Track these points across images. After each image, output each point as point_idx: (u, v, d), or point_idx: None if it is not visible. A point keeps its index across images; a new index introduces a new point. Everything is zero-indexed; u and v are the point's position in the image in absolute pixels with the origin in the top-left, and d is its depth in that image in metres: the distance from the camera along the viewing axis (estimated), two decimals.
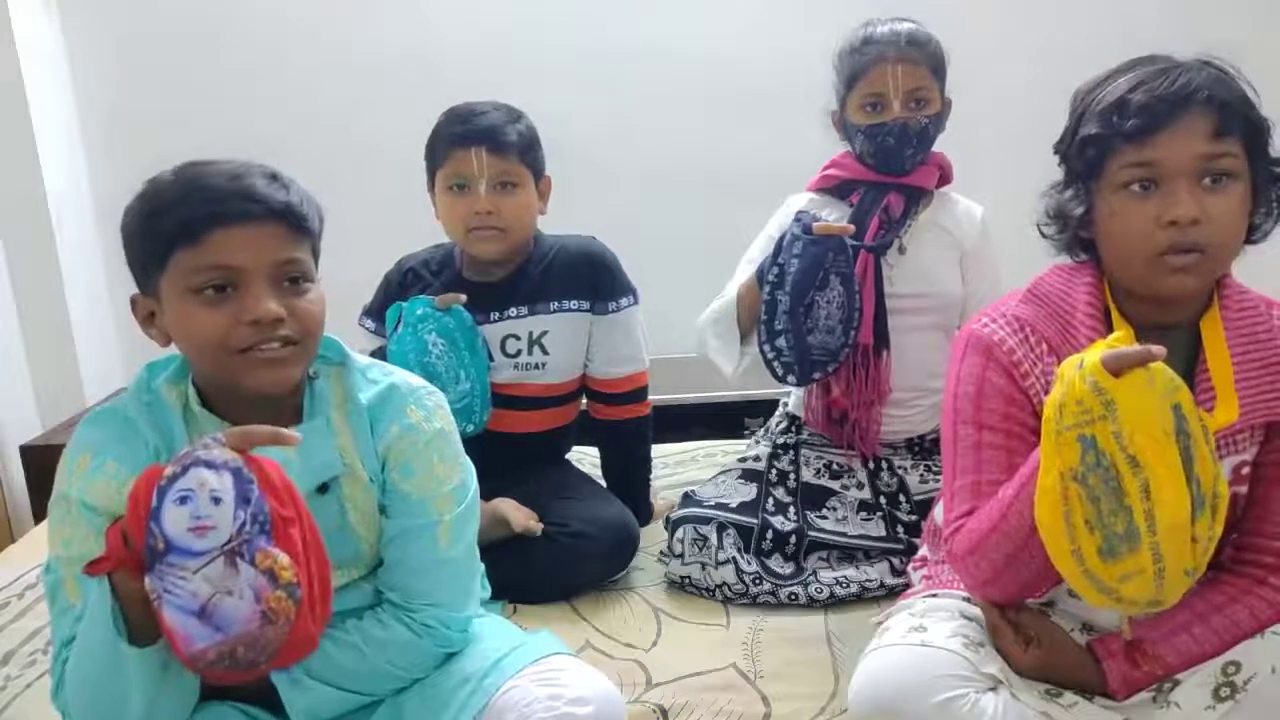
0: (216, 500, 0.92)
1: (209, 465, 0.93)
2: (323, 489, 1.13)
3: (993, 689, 1.10)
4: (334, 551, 1.14)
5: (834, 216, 1.72)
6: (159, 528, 0.92)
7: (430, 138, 1.71)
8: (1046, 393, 1.16)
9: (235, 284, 1.03)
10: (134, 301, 1.10)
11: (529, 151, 1.69)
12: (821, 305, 1.61)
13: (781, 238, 1.63)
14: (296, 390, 1.13)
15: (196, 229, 1.01)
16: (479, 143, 1.64)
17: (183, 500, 0.92)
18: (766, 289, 1.63)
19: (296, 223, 1.06)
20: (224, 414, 1.11)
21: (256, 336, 1.03)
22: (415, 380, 1.22)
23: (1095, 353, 1.00)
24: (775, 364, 1.65)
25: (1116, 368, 0.98)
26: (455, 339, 1.68)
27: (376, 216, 2.66)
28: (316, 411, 1.14)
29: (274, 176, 1.07)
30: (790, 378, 1.66)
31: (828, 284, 1.60)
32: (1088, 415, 0.98)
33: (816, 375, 1.67)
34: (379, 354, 1.70)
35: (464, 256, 1.79)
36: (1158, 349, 0.99)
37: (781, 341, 1.63)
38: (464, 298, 1.70)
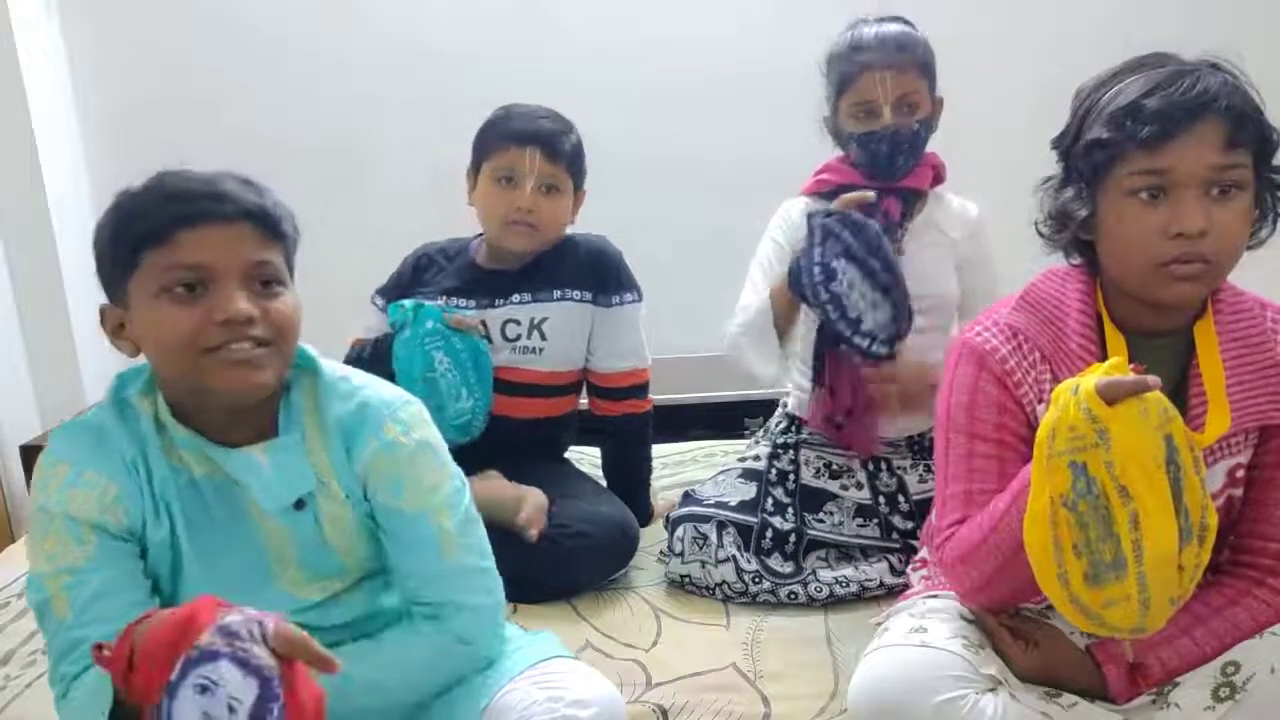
0: (232, 709, 0.82)
1: (242, 664, 0.82)
2: (299, 505, 1.11)
3: (993, 690, 1.10)
4: (314, 566, 1.13)
5: None
6: (168, 711, 0.82)
7: (483, 129, 1.77)
8: (1039, 401, 1.17)
9: (206, 283, 1.01)
10: (102, 313, 1.08)
11: (575, 162, 1.77)
12: (848, 281, 1.57)
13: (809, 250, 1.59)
14: (272, 401, 1.10)
15: (166, 229, 1.00)
16: (535, 143, 1.71)
17: (202, 690, 0.82)
18: (818, 289, 1.57)
19: (268, 225, 1.04)
20: (196, 425, 1.08)
21: (227, 335, 1.01)
22: (389, 392, 1.17)
23: (1090, 379, 0.99)
24: (873, 347, 1.60)
25: (1111, 396, 0.97)
26: (462, 360, 1.70)
27: (375, 217, 2.66)
28: (292, 425, 1.11)
29: (247, 182, 1.05)
30: (883, 349, 1.60)
31: (860, 258, 1.56)
32: (1080, 442, 0.97)
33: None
34: (384, 341, 1.73)
35: (481, 246, 1.83)
36: (1153, 379, 0.97)
37: (869, 324, 1.58)
38: (481, 327, 1.73)
